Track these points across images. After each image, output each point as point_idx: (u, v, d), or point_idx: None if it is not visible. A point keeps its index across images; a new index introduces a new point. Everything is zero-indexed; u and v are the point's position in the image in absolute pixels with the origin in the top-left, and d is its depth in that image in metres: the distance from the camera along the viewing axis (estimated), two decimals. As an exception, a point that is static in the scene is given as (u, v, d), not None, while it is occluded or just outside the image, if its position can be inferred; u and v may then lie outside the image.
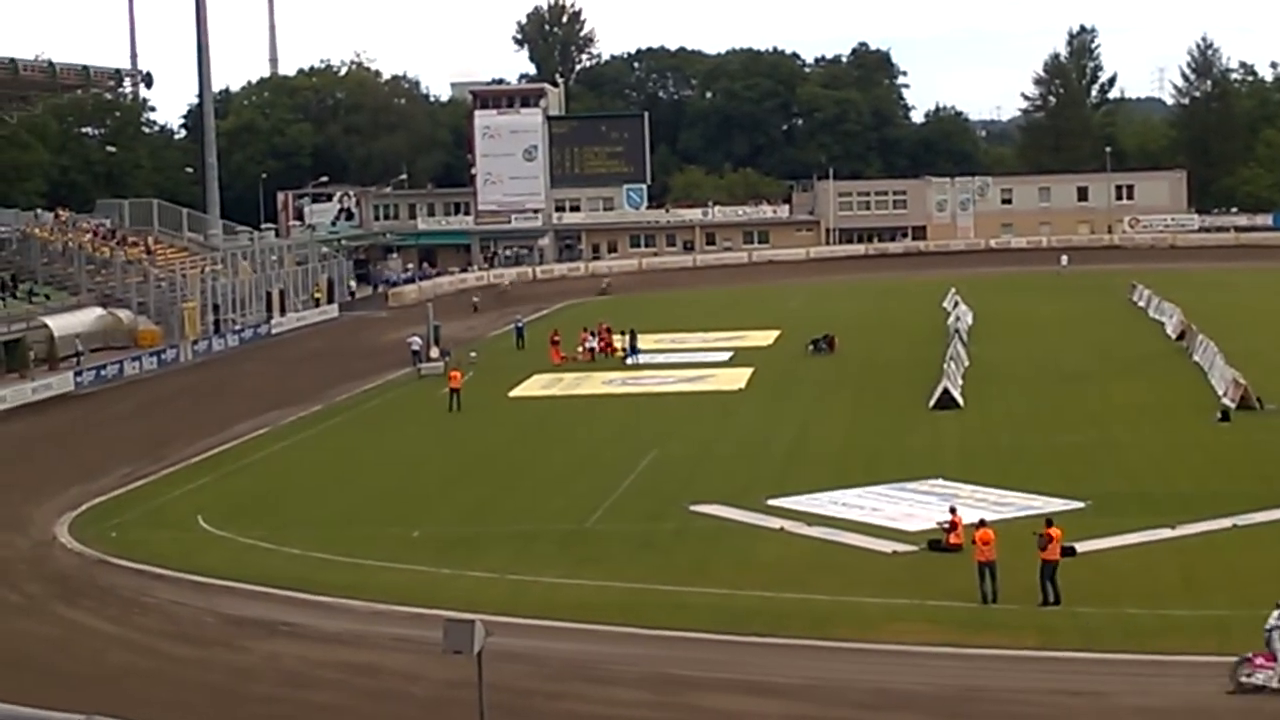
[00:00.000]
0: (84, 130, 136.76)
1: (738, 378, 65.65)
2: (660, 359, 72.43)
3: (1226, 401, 51.68)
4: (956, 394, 56.07)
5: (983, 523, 32.17)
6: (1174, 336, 70.37)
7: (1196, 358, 62.07)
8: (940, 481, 42.10)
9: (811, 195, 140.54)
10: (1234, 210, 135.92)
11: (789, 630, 29.51)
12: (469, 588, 33.40)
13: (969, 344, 69.09)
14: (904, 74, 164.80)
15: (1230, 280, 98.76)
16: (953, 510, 35.32)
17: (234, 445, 54.83)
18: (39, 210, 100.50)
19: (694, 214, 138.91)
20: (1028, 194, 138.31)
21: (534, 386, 66.07)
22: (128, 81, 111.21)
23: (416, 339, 73.42)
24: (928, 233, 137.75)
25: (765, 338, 78.92)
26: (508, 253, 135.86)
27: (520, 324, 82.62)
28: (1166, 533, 35.36)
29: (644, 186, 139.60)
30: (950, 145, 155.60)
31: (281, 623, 32.19)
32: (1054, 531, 30.88)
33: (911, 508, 39.13)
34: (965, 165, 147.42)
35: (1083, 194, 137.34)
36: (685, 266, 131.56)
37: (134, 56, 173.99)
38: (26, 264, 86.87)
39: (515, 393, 64.55)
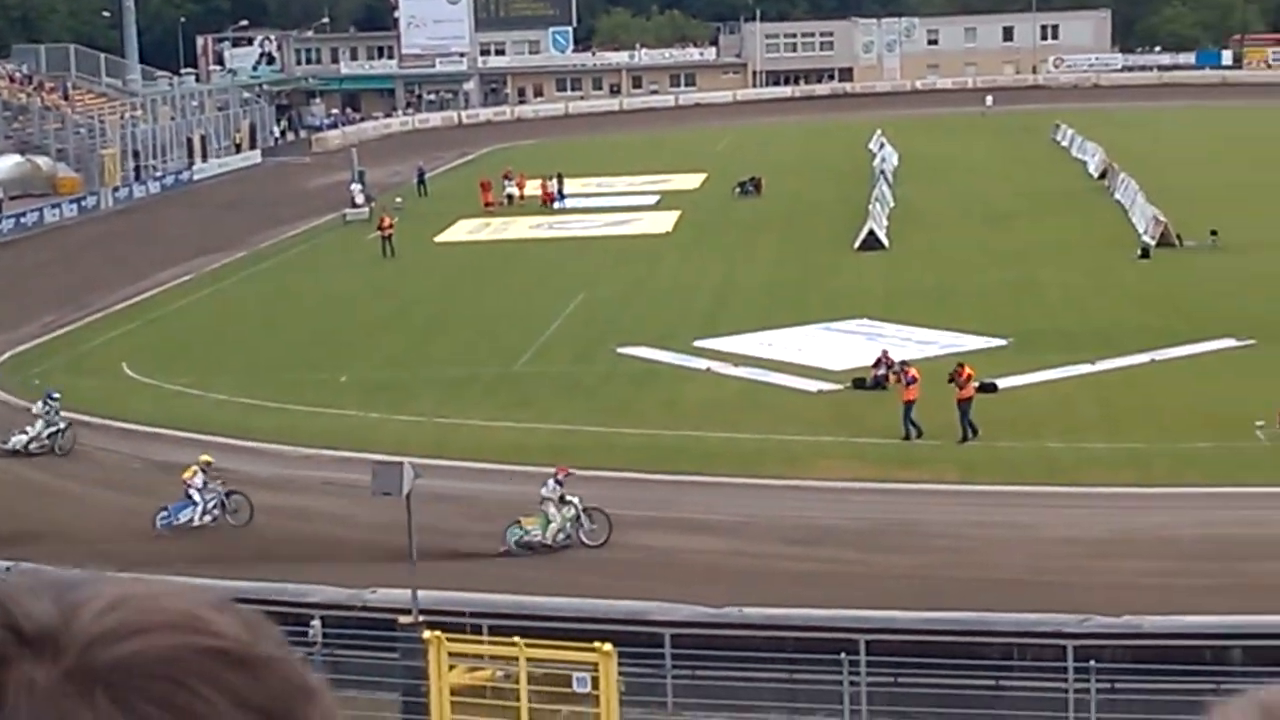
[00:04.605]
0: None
1: (665, 221, 65.62)
2: (587, 203, 72.19)
3: (1147, 239, 52.23)
4: (881, 235, 56.34)
5: (904, 363, 32.56)
6: (1096, 175, 70.80)
7: (1118, 196, 62.60)
8: (865, 321, 42.42)
9: (739, 38, 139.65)
10: (1157, 49, 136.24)
11: (718, 469, 29.90)
12: (397, 431, 33.54)
13: (894, 185, 69.23)
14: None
15: (1153, 119, 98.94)
16: (885, 353, 35.38)
17: (158, 292, 54.44)
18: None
19: (620, 57, 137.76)
20: (953, 34, 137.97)
21: (460, 232, 65.78)
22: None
23: (357, 185, 72.43)
24: (854, 75, 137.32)
25: (692, 181, 78.72)
26: (431, 97, 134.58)
27: (423, 170, 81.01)
28: (1086, 369, 35.92)
29: (570, 29, 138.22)
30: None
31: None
32: (967, 370, 31.32)
33: (837, 347, 39.45)
34: (892, 6, 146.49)
35: (1008, 34, 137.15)
36: (611, 110, 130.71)
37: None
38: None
39: (441, 238, 64.27)
